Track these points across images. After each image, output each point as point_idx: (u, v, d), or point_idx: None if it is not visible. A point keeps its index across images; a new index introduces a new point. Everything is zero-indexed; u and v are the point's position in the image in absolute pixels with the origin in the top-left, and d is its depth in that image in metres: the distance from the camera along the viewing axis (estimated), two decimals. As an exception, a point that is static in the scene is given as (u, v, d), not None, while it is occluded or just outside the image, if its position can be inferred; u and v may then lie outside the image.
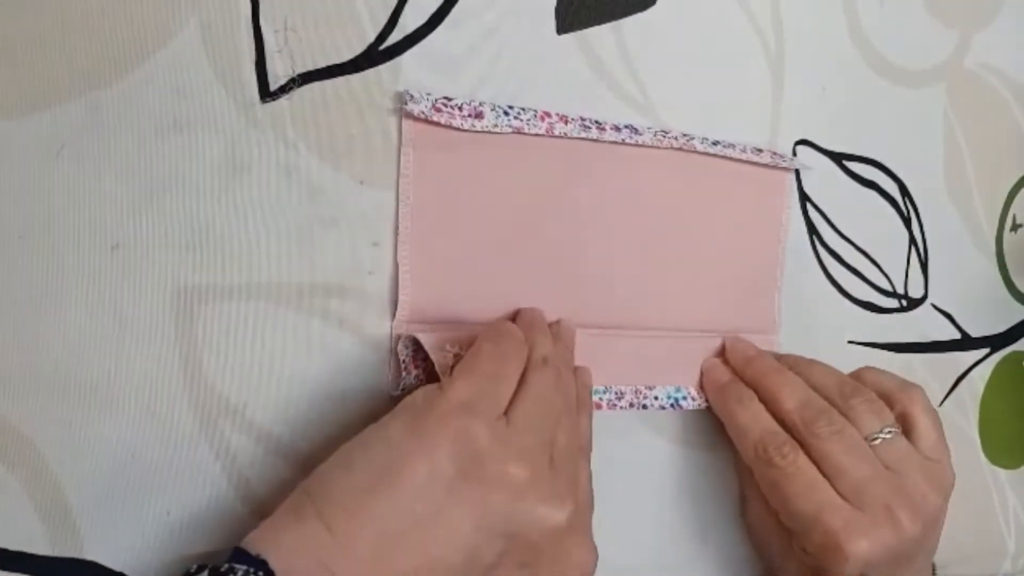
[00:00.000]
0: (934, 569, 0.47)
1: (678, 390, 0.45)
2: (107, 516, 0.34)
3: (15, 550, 0.33)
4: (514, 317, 0.41)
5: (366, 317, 0.38)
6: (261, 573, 0.28)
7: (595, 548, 0.36)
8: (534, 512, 0.32)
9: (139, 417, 0.35)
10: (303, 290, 0.37)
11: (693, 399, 0.46)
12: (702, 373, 0.46)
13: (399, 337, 0.38)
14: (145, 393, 0.35)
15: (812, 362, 0.46)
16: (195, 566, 0.30)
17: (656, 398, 0.44)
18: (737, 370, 0.46)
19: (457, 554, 0.31)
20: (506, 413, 0.34)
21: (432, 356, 0.36)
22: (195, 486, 0.36)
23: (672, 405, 0.45)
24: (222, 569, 0.29)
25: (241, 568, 0.29)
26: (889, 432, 0.42)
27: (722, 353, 0.47)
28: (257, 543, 0.30)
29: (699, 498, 0.48)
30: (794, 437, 0.42)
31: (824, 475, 0.41)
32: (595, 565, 0.36)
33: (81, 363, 0.33)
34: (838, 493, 0.40)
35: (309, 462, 0.37)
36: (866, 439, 0.42)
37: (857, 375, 0.46)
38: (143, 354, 0.34)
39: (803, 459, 0.41)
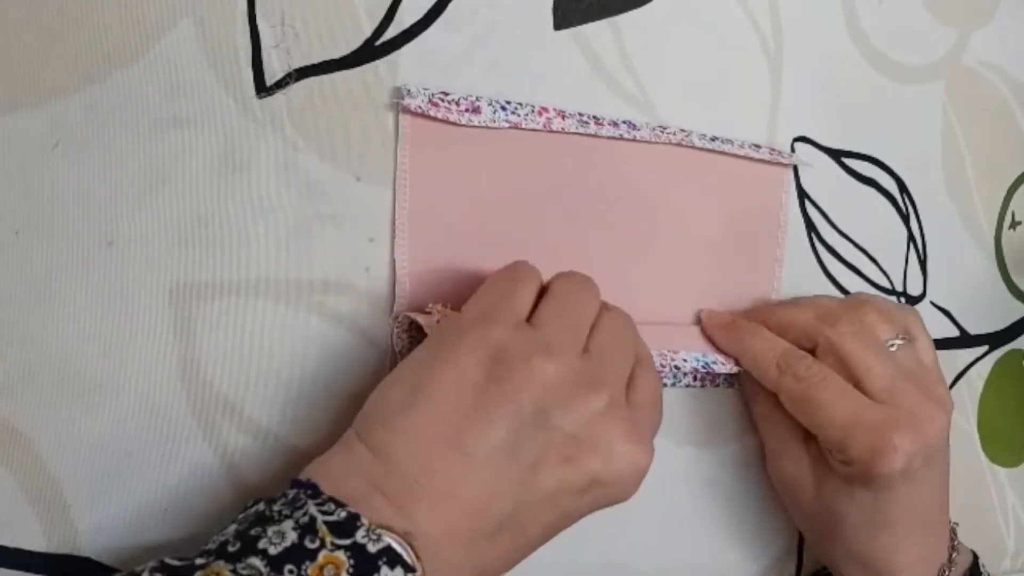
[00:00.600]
0: (954, 533, 0.47)
1: (705, 355, 0.44)
2: (104, 512, 0.34)
3: (12, 546, 0.33)
4: None
5: (363, 313, 0.38)
6: (310, 491, 0.29)
7: (650, 447, 0.34)
8: (565, 400, 0.32)
9: (136, 414, 0.34)
10: (300, 286, 0.37)
11: (723, 363, 0.44)
12: (701, 320, 0.46)
13: (396, 316, 0.38)
14: (142, 390, 0.35)
15: (812, 297, 0.47)
16: (251, 500, 0.31)
17: (684, 360, 0.43)
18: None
19: (497, 455, 0.31)
20: (530, 320, 0.34)
21: (417, 318, 0.36)
22: (193, 483, 0.36)
23: (703, 367, 0.43)
24: (275, 496, 0.30)
25: (292, 491, 0.29)
26: (902, 339, 0.43)
27: None
28: (308, 472, 0.31)
29: (700, 498, 0.48)
30: (816, 347, 0.43)
31: (852, 379, 0.42)
32: (648, 461, 0.34)
33: (77, 359, 0.33)
34: (868, 396, 0.41)
35: (307, 459, 0.37)
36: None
37: (854, 298, 0.47)
38: (140, 351, 0.34)
39: (830, 370, 0.42)
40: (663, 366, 0.42)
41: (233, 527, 0.29)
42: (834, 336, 0.42)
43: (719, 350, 0.45)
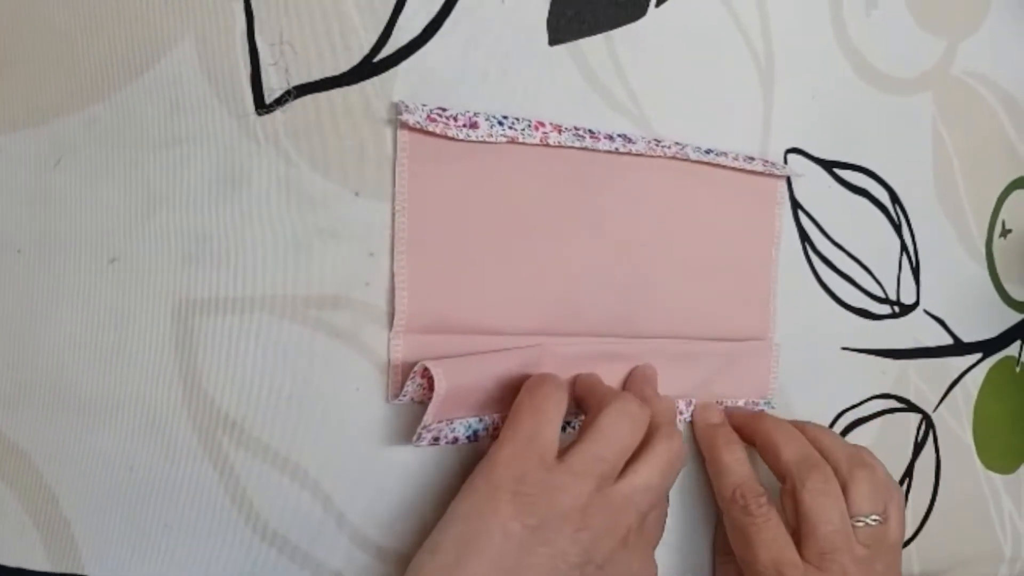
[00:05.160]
0: None
1: None
2: (105, 531, 0.34)
3: (13, 566, 0.33)
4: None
5: (363, 328, 0.38)
6: None
7: (654, 562, 0.40)
8: (594, 541, 0.36)
9: (137, 431, 0.34)
10: (301, 301, 0.37)
11: (680, 413, 0.46)
12: (695, 409, 0.47)
13: (409, 366, 0.38)
14: (144, 407, 0.35)
15: (827, 430, 0.47)
16: None
17: None
18: (738, 424, 0.47)
19: None
20: (566, 450, 0.37)
21: (432, 370, 0.37)
22: (194, 500, 0.36)
23: None
24: None
25: None
26: (875, 520, 0.43)
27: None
28: None
29: (696, 508, 0.48)
30: (784, 486, 0.44)
31: (798, 530, 0.42)
32: None
33: (79, 377, 0.33)
34: (802, 554, 0.42)
35: (308, 474, 0.37)
36: (853, 517, 0.43)
37: (814, 437, 0.46)
38: (141, 367, 0.34)
39: (776, 516, 0.43)
40: None
41: None
42: (798, 486, 0.43)
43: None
